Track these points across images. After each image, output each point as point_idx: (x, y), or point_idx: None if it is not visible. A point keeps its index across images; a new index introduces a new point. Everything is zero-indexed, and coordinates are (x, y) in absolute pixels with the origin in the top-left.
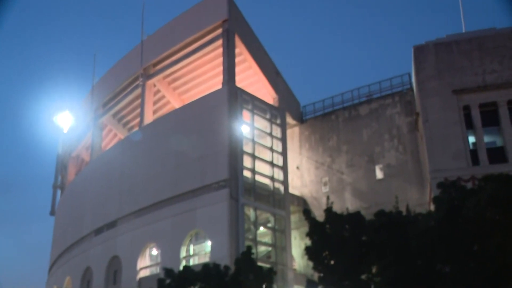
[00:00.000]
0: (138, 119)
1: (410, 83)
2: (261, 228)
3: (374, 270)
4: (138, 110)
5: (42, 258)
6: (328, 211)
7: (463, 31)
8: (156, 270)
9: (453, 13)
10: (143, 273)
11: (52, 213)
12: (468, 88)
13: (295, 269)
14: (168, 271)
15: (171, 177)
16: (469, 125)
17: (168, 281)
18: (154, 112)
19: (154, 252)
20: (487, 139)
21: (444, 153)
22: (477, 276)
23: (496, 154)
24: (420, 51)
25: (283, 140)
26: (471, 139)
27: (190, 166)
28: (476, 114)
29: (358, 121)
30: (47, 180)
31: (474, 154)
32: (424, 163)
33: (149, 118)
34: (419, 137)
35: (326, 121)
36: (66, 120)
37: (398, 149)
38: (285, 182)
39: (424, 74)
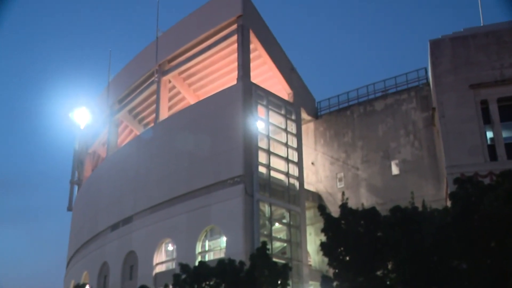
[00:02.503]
0: (153, 115)
1: (426, 78)
2: (276, 224)
3: (389, 266)
4: (154, 106)
5: (60, 253)
6: (343, 207)
7: (481, 24)
8: (172, 265)
9: (471, 7)
10: (159, 269)
11: (70, 208)
12: (486, 82)
13: (310, 265)
14: (183, 267)
15: (186, 173)
16: (487, 120)
17: (183, 276)
18: (170, 108)
19: (170, 247)
20: (505, 134)
21: (461, 149)
22: (494, 273)
23: None
24: (436, 45)
25: (298, 135)
26: (489, 134)
27: (205, 162)
28: (494, 109)
29: (374, 117)
30: (64, 176)
31: (492, 149)
32: (440, 159)
33: (164, 114)
34: (435, 132)
35: (341, 116)
36: (83, 117)
37: (414, 145)
38: (300, 178)
39: (441, 68)
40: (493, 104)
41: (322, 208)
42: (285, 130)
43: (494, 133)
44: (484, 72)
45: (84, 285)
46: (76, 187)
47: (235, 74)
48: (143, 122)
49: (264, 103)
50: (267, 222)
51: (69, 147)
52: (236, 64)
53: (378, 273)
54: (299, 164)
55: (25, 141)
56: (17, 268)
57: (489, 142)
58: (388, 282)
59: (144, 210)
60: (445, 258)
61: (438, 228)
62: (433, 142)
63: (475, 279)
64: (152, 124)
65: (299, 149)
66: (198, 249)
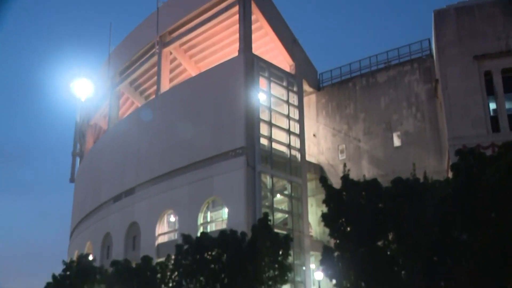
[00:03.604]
0: (154, 87)
1: (430, 49)
2: (278, 196)
3: (390, 237)
4: (155, 78)
5: (63, 224)
6: (345, 178)
7: None
8: (174, 236)
9: None
10: (161, 239)
11: (72, 180)
12: (490, 53)
13: (311, 236)
14: (185, 237)
15: (188, 144)
16: (490, 92)
17: (185, 247)
18: (171, 80)
19: (172, 219)
20: (508, 105)
21: (464, 120)
22: (495, 244)
23: None
24: (440, 16)
25: (300, 107)
26: (492, 105)
27: (207, 134)
28: (497, 80)
29: (376, 89)
30: (66, 148)
31: (494, 121)
32: (442, 131)
33: (165, 86)
34: (438, 104)
35: (343, 88)
36: (84, 89)
37: (416, 117)
38: (301, 150)
39: (445, 40)
40: (497, 75)
41: (323, 180)
42: (287, 102)
43: (497, 105)
44: (489, 43)
45: (88, 255)
46: (78, 159)
47: (236, 45)
48: (144, 94)
49: (266, 75)
50: (268, 194)
51: (70, 119)
52: (237, 35)
53: (379, 244)
54: (301, 136)
55: (27, 113)
56: (21, 239)
57: (491, 113)
58: (389, 253)
59: (146, 182)
60: (446, 229)
61: (440, 200)
62: (436, 114)
63: (476, 250)
64: (153, 96)
65: (300, 121)
66: (200, 220)
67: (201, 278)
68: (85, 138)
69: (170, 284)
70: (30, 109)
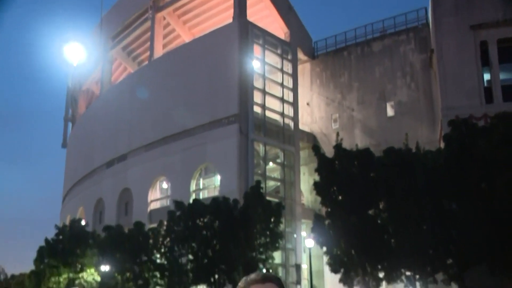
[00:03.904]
0: (147, 53)
1: (426, 18)
2: (270, 164)
3: (381, 206)
4: (148, 44)
5: (55, 189)
6: (338, 147)
7: None
8: (166, 202)
9: None
10: (153, 206)
11: (64, 145)
12: (487, 23)
13: (303, 204)
14: (178, 204)
15: (181, 111)
16: (485, 62)
17: (178, 213)
18: (164, 46)
19: (165, 185)
20: (502, 76)
21: (458, 91)
22: (484, 214)
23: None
24: None
25: (294, 76)
26: (486, 76)
27: (200, 101)
28: (493, 50)
29: (371, 58)
30: (58, 113)
31: (488, 91)
32: (436, 101)
33: (159, 52)
34: (432, 74)
35: (338, 57)
36: (76, 53)
37: (410, 87)
38: (295, 118)
39: (441, 9)
40: (492, 46)
41: (316, 149)
42: (281, 70)
43: (491, 75)
44: (486, 13)
45: (80, 220)
46: (70, 124)
47: (231, 12)
48: (137, 60)
49: (260, 42)
50: (261, 162)
51: (62, 84)
52: (232, 1)
53: (370, 212)
54: (294, 104)
55: (18, 77)
56: (13, 204)
57: (486, 84)
58: (379, 222)
59: (139, 148)
60: (436, 198)
61: (431, 170)
62: (430, 84)
63: (465, 219)
64: (146, 62)
65: (294, 90)
66: (193, 187)
67: (193, 244)
68: (77, 104)
69: (162, 250)
70: (21, 73)
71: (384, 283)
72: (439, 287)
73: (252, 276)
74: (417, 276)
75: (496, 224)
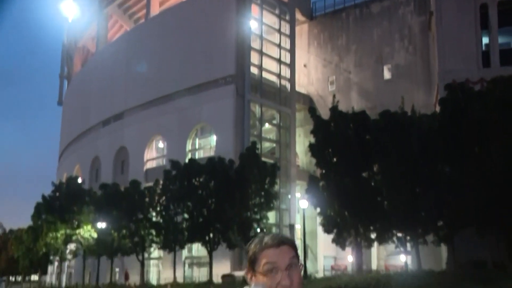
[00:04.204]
0: (144, 11)
1: None
2: (266, 125)
3: (375, 169)
4: (144, 1)
5: (52, 146)
6: (334, 110)
7: None
8: (162, 162)
9: None
10: (149, 164)
11: (60, 103)
12: None
13: (298, 166)
14: (174, 163)
15: (177, 70)
16: (484, 26)
17: (174, 172)
18: (161, 3)
19: (161, 144)
20: (501, 39)
21: (455, 55)
22: (476, 177)
23: (509, 55)
24: None
25: (292, 37)
26: (485, 40)
27: (197, 60)
28: (493, 13)
29: (369, 20)
30: (53, 70)
31: (486, 56)
32: (433, 65)
33: (155, 10)
34: (430, 37)
35: (336, 19)
36: (71, 8)
37: (408, 50)
38: (291, 80)
39: None
40: (492, 9)
41: (312, 110)
42: (279, 31)
43: (490, 39)
44: None
45: (77, 177)
46: (65, 82)
47: None
48: (134, 17)
49: (258, 1)
50: (257, 123)
51: (57, 41)
52: None
53: (364, 175)
54: (291, 65)
55: (12, 33)
56: (9, 161)
57: (484, 48)
58: (373, 184)
59: (136, 107)
60: (430, 162)
61: (425, 133)
62: (428, 48)
63: (458, 182)
64: (142, 20)
65: (292, 51)
66: (189, 147)
67: (189, 204)
68: (73, 61)
69: (158, 208)
70: (15, 28)
71: (375, 243)
72: (428, 248)
73: (267, 239)
74: (408, 238)
75: (487, 187)
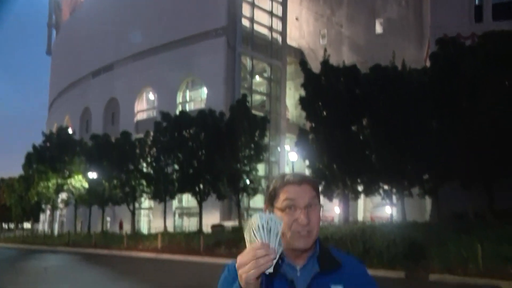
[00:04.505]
0: None
1: None
2: (257, 78)
3: (364, 122)
4: None
5: (41, 96)
6: (325, 63)
7: None
8: (153, 113)
9: None
10: (140, 116)
11: (49, 52)
12: None
13: (288, 119)
14: (164, 115)
15: (168, 21)
16: None
17: (164, 124)
18: None
19: (151, 96)
20: None
21: (448, 9)
22: (464, 133)
23: (502, 10)
24: None
25: None
26: None
27: (188, 11)
28: None
29: None
30: (41, 19)
31: (478, 10)
32: (425, 19)
33: None
34: None
35: None
36: None
37: (401, 4)
38: (283, 33)
39: None
40: None
41: (303, 64)
42: None
43: None
44: None
45: (67, 128)
46: (54, 31)
47: None
48: None
49: None
50: (248, 75)
51: None
52: None
53: (353, 128)
54: (283, 18)
55: None
56: (0, 111)
57: (477, 2)
58: (361, 138)
59: (126, 58)
60: (419, 116)
61: (415, 88)
62: (420, 1)
63: (446, 138)
64: None
65: (284, 3)
66: (179, 99)
67: (179, 155)
68: (61, 9)
69: (149, 159)
70: None
71: (362, 196)
72: (414, 200)
73: (289, 176)
74: (394, 190)
75: (474, 142)
